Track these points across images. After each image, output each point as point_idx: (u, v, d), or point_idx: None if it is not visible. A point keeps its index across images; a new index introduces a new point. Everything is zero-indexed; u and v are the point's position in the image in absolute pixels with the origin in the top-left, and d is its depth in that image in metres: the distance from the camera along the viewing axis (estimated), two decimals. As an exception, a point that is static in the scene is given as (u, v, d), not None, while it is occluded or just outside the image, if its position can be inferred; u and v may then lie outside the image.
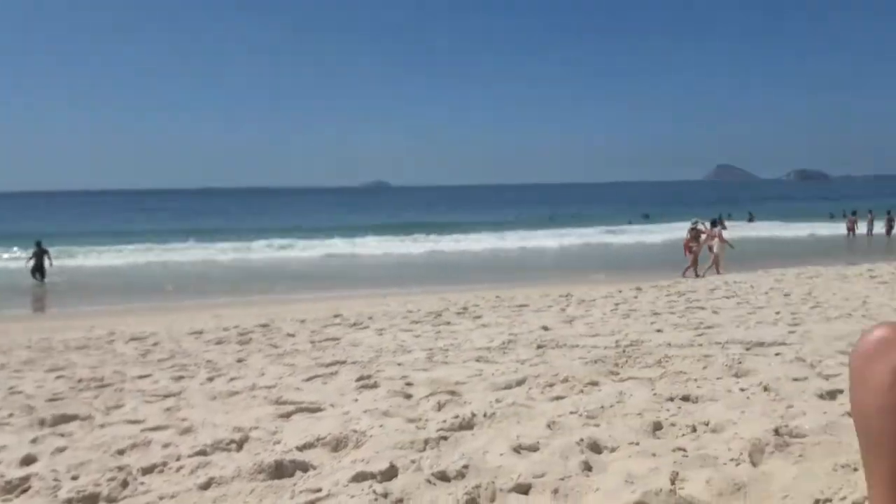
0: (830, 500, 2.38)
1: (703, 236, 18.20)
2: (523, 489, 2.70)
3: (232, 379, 5.39)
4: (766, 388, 3.99)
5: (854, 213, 34.01)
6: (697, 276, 16.36)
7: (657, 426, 3.41)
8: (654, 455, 2.95)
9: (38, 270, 18.76)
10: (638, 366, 5.00)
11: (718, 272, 16.65)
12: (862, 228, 32.95)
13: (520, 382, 4.59)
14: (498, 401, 4.07)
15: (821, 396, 3.80)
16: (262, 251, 27.71)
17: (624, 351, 5.56)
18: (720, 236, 18.16)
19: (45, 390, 5.22)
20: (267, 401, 4.57)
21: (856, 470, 2.55)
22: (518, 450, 3.13)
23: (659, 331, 6.67)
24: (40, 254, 18.93)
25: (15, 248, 24.86)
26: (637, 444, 3.13)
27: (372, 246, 29.97)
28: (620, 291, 10.94)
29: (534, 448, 3.16)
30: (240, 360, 6.21)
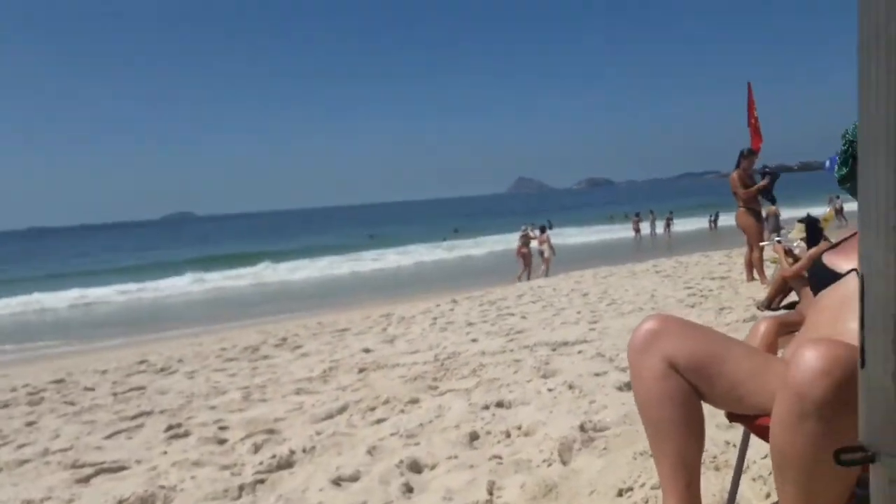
0: (632, 489, 2.57)
1: (534, 242, 19.47)
2: (345, 522, 2.65)
3: (20, 446, 4.79)
4: (570, 387, 4.26)
5: (637, 215, 37.65)
6: (525, 279, 17.27)
7: (474, 436, 3.52)
8: (471, 467, 3.04)
9: None
10: (455, 377, 5.14)
11: (547, 275, 17.77)
12: (645, 229, 36.55)
13: (341, 410, 4.53)
14: (318, 433, 3.98)
15: (619, 388, 4.13)
16: (55, 298, 24.66)
17: (442, 364, 5.69)
18: (549, 241, 19.52)
19: None
20: (61, 466, 4.11)
21: (652, 456, 2.78)
22: (338, 482, 3.07)
23: (474, 340, 6.91)
24: None
25: None
26: (456, 457, 3.20)
27: (182, 284, 28.00)
28: (438, 305, 11.21)
29: (354, 478, 3.12)
30: (29, 424, 5.53)
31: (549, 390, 4.28)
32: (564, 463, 2.98)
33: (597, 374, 4.55)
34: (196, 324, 15.24)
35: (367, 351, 7.16)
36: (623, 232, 37.90)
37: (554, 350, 5.77)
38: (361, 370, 6.00)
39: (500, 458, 3.12)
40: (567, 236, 38.49)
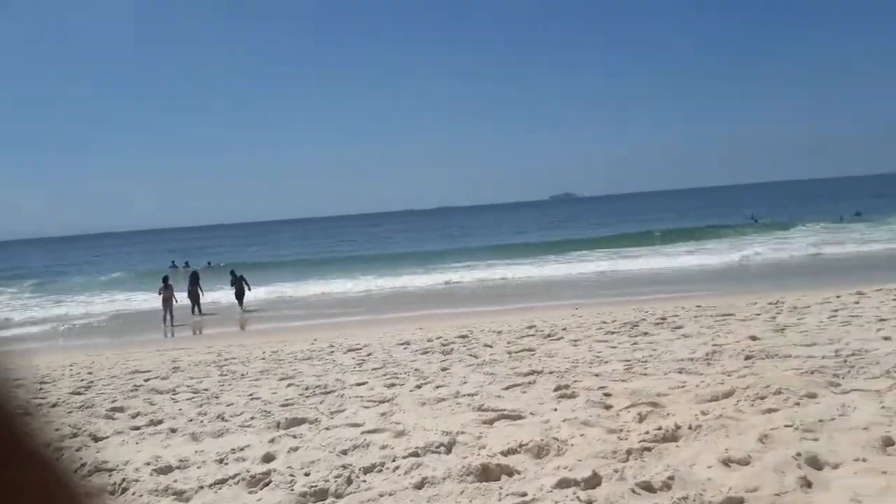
0: None
1: None
2: (735, 503, 2.62)
3: (438, 386, 5.70)
4: None
5: None
6: None
7: (888, 442, 3.13)
8: (884, 473, 2.73)
9: (239, 297, 19.18)
10: (863, 376, 4.58)
11: None
12: None
13: (727, 394, 4.41)
14: (704, 413, 3.95)
15: None
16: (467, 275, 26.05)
17: (845, 361, 5.11)
18: None
19: (278, 396, 5.89)
20: (471, 407, 4.79)
21: None
22: (727, 463, 3.03)
23: (887, 338, 6.03)
24: (238, 281, 19.31)
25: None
26: (864, 460, 2.91)
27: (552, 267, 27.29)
28: (839, 297, 9.98)
29: (745, 461, 3.04)
30: (444, 369, 6.54)
31: None
32: None
33: None
34: (571, 297, 16.01)
35: (753, 338, 6.77)
36: None
37: None
38: (748, 357, 5.72)
39: (923, 471, 2.74)
40: None
